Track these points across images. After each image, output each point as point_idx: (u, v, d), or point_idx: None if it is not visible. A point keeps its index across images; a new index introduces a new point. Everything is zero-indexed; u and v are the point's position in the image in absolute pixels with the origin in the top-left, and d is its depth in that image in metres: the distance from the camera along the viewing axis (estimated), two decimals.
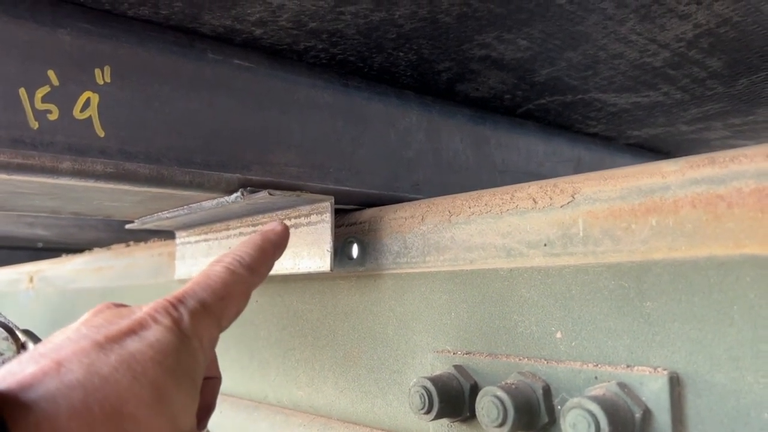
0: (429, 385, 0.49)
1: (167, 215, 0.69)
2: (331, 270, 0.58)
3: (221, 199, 0.59)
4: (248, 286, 0.42)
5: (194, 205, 0.63)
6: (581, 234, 0.46)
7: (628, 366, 0.43)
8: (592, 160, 0.98)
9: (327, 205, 0.59)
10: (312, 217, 0.60)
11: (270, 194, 0.54)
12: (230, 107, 0.56)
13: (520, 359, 0.49)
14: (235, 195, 0.57)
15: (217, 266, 0.41)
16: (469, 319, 0.54)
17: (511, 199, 0.51)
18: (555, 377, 0.46)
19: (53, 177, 0.47)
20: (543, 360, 0.47)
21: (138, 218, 0.75)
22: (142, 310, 0.38)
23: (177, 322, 0.37)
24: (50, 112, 0.46)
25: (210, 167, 0.55)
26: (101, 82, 0.49)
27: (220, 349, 0.73)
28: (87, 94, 0.48)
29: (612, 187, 0.45)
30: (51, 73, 0.47)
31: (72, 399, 0.32)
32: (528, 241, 0.50)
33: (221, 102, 0.56)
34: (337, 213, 0.68)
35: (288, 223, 0.64)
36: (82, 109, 0.48)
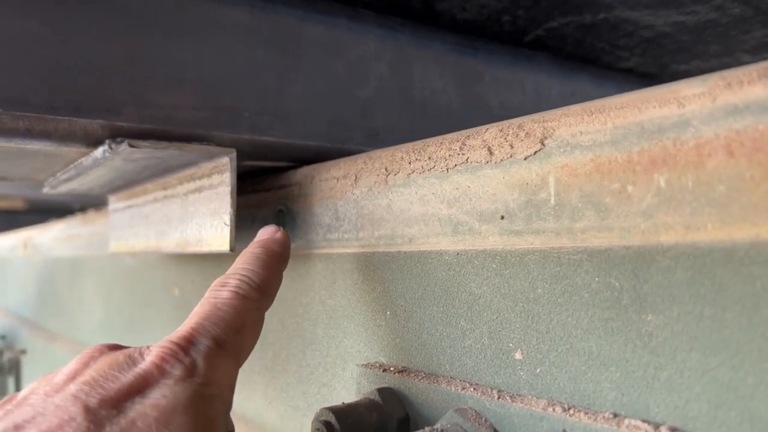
0: (333, 421, 0.34)
1: (63, 176, 0.55)
2: (232, 250, 0.43)
3: (94, 155, 0.44)
4: (262, 311, 0.36)
5: (76, 163, 0.49)
6: (552, 201, 0.30)
7: (614, 415, 0.27)
8: None
9: (226, 162, 0.43)
10: (213, 177, 0.45)
11: (131, 145, 0.39)
12: (85, 29, 0.41)
13: (464, 387, 0.33)
14: (102, 148, 0.43)
15: (223, 292, 0.35)
16: (408, 322, 0.38)
17: (460, 149, 0.35)
18: (507, 420, 0.30)
19: None
20: (494, 391, 0.31)
21: (46, 181, 0.61)
22: (145, 358, 0.31)
23: (190, 371, 0.30)
24: None
25: (56, 110, 0.40)
26: None
27: None
28: None
29: (600, 127, 0.28)
30: None
31: None
32: (480, 212, 0.33)
33: (72, 22, 0.41)
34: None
35: (193, 185, 0.49)
36: None
